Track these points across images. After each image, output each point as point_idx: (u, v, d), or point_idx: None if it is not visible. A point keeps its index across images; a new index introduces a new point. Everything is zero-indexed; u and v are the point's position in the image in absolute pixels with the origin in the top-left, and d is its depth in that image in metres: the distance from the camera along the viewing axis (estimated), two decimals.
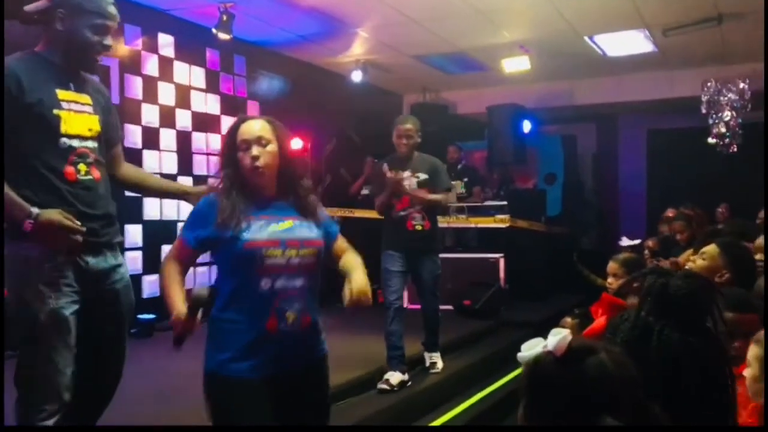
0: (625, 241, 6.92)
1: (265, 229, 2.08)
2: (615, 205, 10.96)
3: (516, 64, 7.79)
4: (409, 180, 4.56)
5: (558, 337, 1.15)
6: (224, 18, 6.20)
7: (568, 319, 3.03)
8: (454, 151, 8.94)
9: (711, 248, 3.06)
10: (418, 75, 9.05)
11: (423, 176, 4.58)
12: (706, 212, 6.89)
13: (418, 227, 4.57)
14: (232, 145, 2.16)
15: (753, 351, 1.83)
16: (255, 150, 2.11)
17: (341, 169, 8.47)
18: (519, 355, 1.20)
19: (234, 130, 2.19)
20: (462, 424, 4.31)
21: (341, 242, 2.34)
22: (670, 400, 1.24)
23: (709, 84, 7.94)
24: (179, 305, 2.02)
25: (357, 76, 8.19)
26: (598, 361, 1.12)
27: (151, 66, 6.28)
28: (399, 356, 4.43)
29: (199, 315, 2.01)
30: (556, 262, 8.47)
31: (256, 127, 2.17)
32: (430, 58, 8.28)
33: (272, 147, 2.15)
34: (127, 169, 2.71)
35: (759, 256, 3.29)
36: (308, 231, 2.15)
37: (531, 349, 1.18)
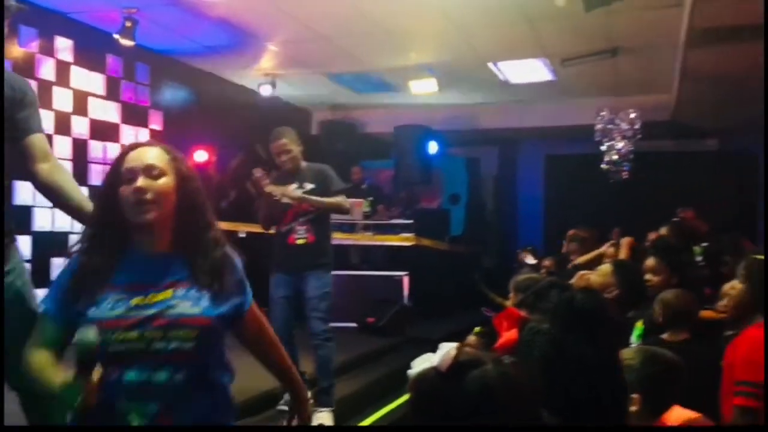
0: (529, 259, 7.17)
1: (121, 304, 1.55)
2: (514, 226, 11.32)
3: (423, 86, 7.94)
4: (294, 193, 4.23)
5: (442, 352, 1.16)
6: (127, 24, 5.99)
7: (472, 337, 3.10)
8: (358, 172, 8.98)
9: (605, 266, 3.24)
10: (328, 92, 9.07)
11: (309, 186, 4.25)
12: (600, 235, 7.22)
13: (300, 241, 4.22)
14: (114, 179, 1.63)
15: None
16: (141, 181, 1.59)
17: (248, 184, 8.32)
18: (408, 372, 1.20)
19: (118, 159, 1.66)
20: None
21: (255, 317, 1.79)
22: (586, 408, 1.29)
23: (602, 113, 8.37)
24: (58, 375, 1.46)
25: (266, 91, 8.10)
26: (481, 374, 1.14)
27: (46, 70, 5.97)
28: None
29: (98, 373, 1.42)
30: (459, 280, 8.65)
31: (148, 154, 1.64)
32: (339, 76, 8.32)
33: (166, 181, 1.62)
34: (46, 168, 2.23)
35: (648, 276, 3.50)
36: (191, 305, 1.58)
37: (420, 365, 1.19)
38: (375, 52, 7.24)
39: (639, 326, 3.50)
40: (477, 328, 3.29)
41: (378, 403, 4.99)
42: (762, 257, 2.60)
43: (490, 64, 7.65)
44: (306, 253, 4.22)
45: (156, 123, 7.19)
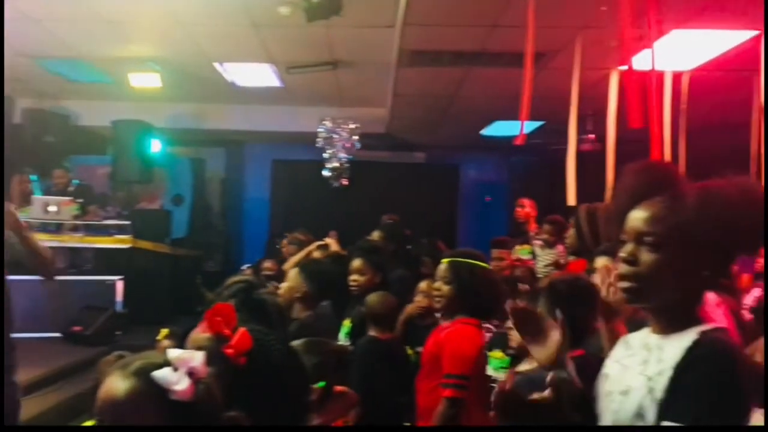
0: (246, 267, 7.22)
1: None
2: (240, 229, 11.32)
3: (144, 80, 7.56)
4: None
5: (179, 375, 1.14)
6: None
7: (165, 341, 3.06)
8: (61, 176, 8.00)
9: (293, 271, 3.44)
10: (34, 78, 8.18)
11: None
12: (318, 238, 7.53)
13: None
14: None
15: None
16: None
17: None
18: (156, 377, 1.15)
19: None
20: None
21: None
22: (273, 404, 1.35)
23: (325, 122, 8.77)
24: None
25: None
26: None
27: None
28: None
29: None
30: (180, 284, 8.40)
31: None
32: (47, 61, 7.56)
33: None
34: None
35: (355, 276, 3.75)
36: None
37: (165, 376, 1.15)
38: (91, 39, 6.71)
39: (347, 324, 3.73)
40: (164, 331, 3.28)
41: (83, 416, 4.65)
42: (463, 260, 2.90)
43: (216, 65, 7.56)
44: None
45: None
